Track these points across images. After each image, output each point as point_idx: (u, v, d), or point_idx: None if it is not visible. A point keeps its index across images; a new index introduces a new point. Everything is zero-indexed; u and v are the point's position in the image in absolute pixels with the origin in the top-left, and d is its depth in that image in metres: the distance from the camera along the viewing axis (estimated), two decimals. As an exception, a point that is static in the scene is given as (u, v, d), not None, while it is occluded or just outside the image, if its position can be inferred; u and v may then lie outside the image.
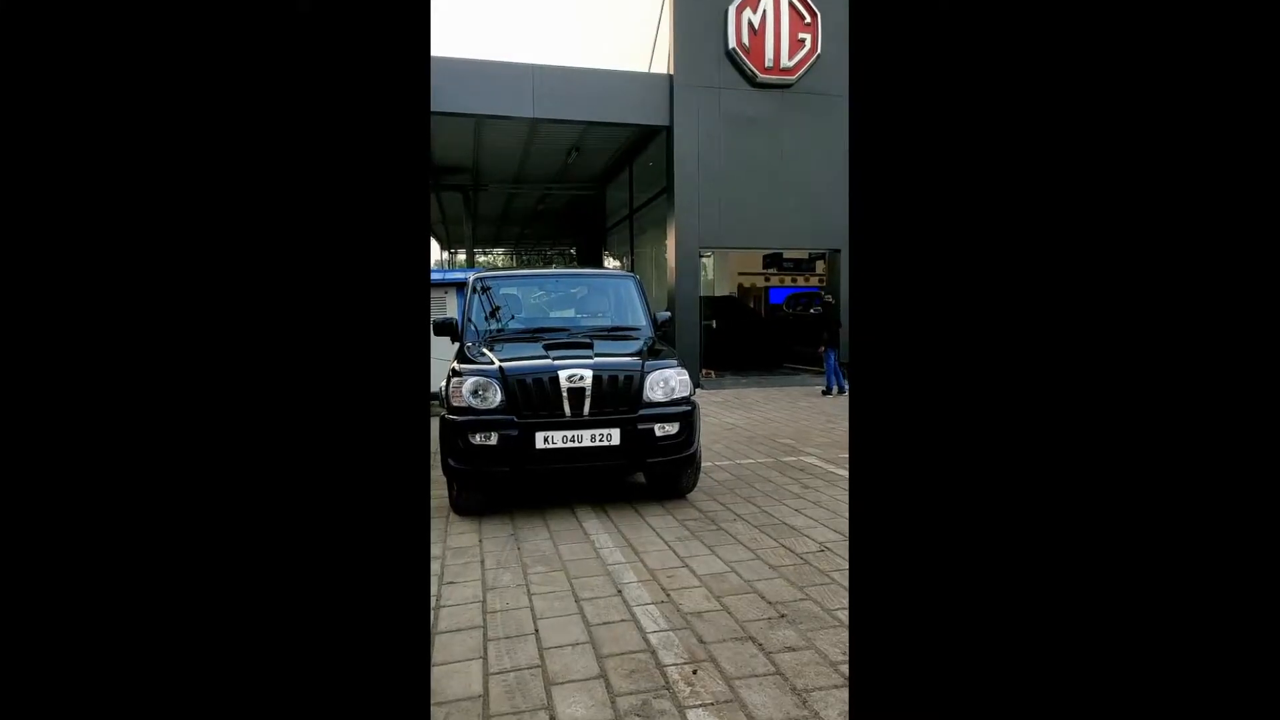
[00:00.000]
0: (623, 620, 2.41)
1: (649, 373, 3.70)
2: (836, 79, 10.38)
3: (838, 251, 10.73)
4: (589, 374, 3.58)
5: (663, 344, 4.44)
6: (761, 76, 10.07)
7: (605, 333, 4.50)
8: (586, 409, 3.56)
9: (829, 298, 10.08)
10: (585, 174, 14.42)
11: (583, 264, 22.82)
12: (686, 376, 3.83)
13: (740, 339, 12.21)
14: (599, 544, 3.24)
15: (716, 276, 15.41)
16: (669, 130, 10.06)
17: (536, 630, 2.34)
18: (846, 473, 4.63)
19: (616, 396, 3.60)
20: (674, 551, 3.12)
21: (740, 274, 17.99)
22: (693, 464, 3.83)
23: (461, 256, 27.89)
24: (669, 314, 4.87)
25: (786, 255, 16.14)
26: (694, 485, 4.03)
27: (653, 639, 2.26)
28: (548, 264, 34.55)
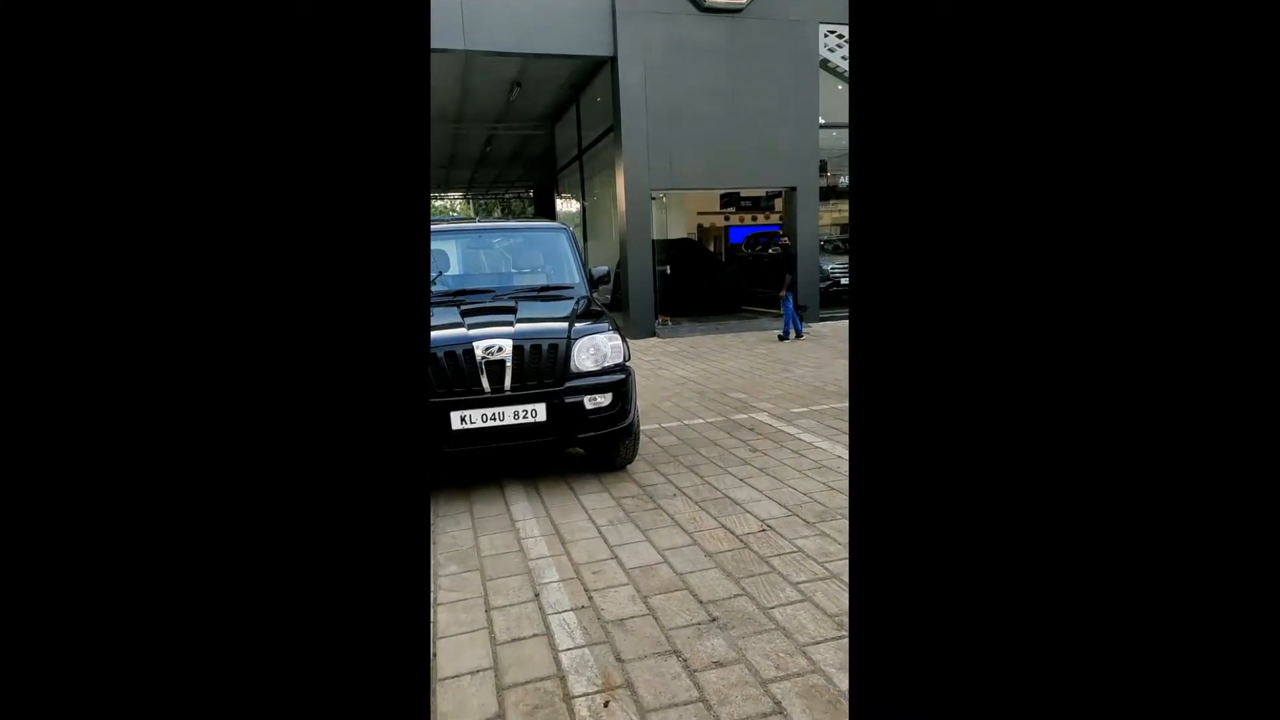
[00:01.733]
0: (535, 635, 2.14)
1: (577, 339, 3.36)
2: (786, 3, 9.76)
3: (794, 189, 10.33)
4: (508, 344, 3.22)
5: (598, 304, 4.08)
6: (710, 0, 9.40)
7: (534, 293, 4.12)
8: (508, 383, 3.21)
9: (785, 240, 9.75)
10: (532, 112, 13.62)
11: (538, 209, 22.01)
12: (619, 341, 3.50)
13: (697, 283, 11.86)
14: (524, 532, 2.96)
15: (672, 217, 14.91)
16: (613, 61, 9.40)
17: (434, 653, 2.06)
18: (796, 430, 4.43)
19: (541, 368, 3.26)
20: (604, 539, 2.85)
21: (699, 214, 17.52)
22: (629, 435, 3.53)
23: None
24: (605, 269, 4.49)
25: (744, 193, 15.69)
26: (633, 456, 3.76)
27: (565, 659, 2.00)
28: (505, 209, 33.38)
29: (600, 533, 2.92)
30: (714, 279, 12.20)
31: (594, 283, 4.40)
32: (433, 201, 29.41)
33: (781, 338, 8.85)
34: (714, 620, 2.18)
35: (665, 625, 2.16)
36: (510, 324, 3.36)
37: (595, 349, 3.39)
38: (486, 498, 3.42)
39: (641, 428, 4.64)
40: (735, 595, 2.33)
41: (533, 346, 3.25)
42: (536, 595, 2.40)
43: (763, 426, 4.59)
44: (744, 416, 4.90)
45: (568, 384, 3.28)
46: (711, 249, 18.22)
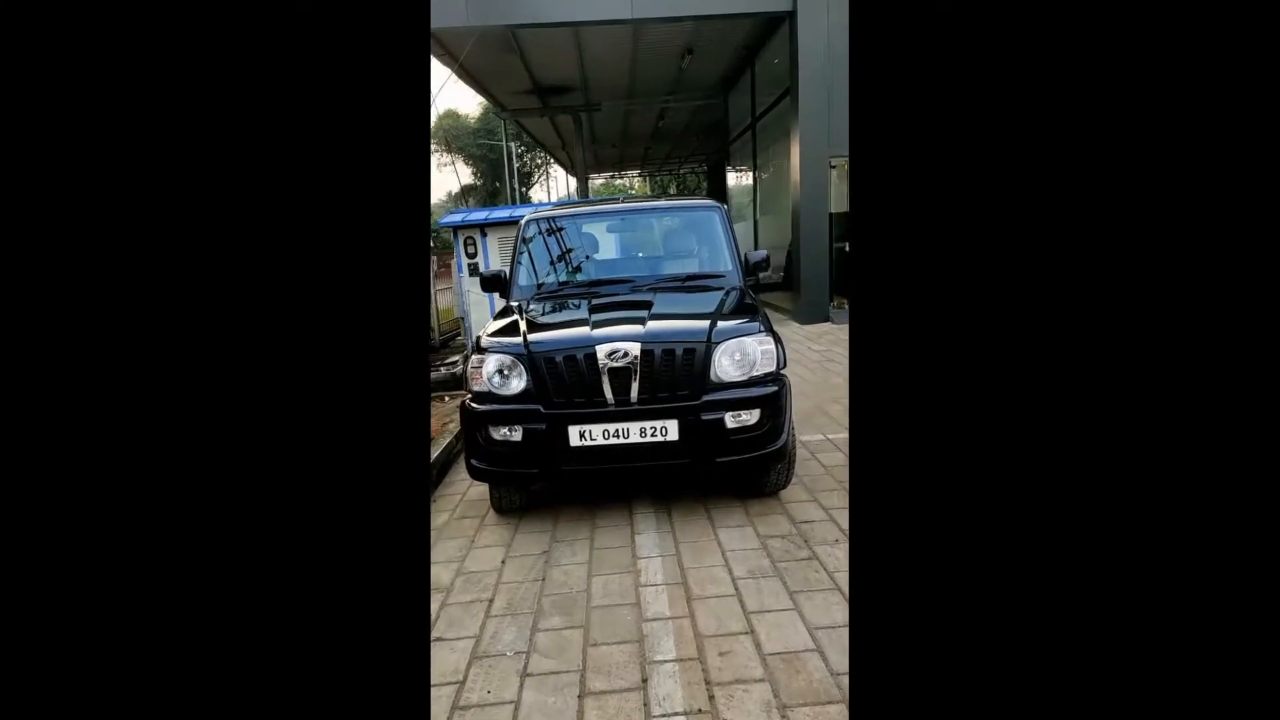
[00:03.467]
0: (631, 748, 1.64)
1: (719, 342, 2.77)
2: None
3: (1006, 149, 8.75)
4: (635, 347, 2.71)
5: (752, 297, 3.45)
6: (908, -67, 8.10)
7: (677, 284, 3.58)
8: (634, 394, 2.72)
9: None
10: (704, 81, 12.97)
11: (712, 184, 21.37)
12: (773, 345, 2.85)
13: (881, 261, 10.61)
14: (645, 576, 2.47)
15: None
16: (792, 17, 8.47)
17: (505, 756, 1.64)
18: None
19: (674, 376, 2.72)
20: (740, 600, 2.28)
21: (886, 182, 15.86)
22: (782, 459, 2.89)
23: (590, 183, 27.46)
24: (764, 253, 3.82)
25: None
26: (787, 481, 3.11)
27: (662, 802, 1.47)
28: (681, 186, 33.01)
29: (737, 588, 2.35)
30: (901, 256, 10.84)
31: (750, 269, 3.76)
32: (611, 180, 29.83)
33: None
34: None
35: (806, 764, 1.56)
36: (642, 322, 2.86)
37: (742, 354, 2.78)
38: (611, 521, 2.98)
39: (802, 439, 3.96)
40: None
41: (664, 351, 2.72)
42: (644, 681, 1.90)
43: (957, 447, 3.70)
44: (933, 431, 4.02)
45: (706, 397, 2.71)
46: (900, 221, 16.50)
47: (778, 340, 2.93)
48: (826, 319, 8.87)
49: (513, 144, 23.85)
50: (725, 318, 2.93)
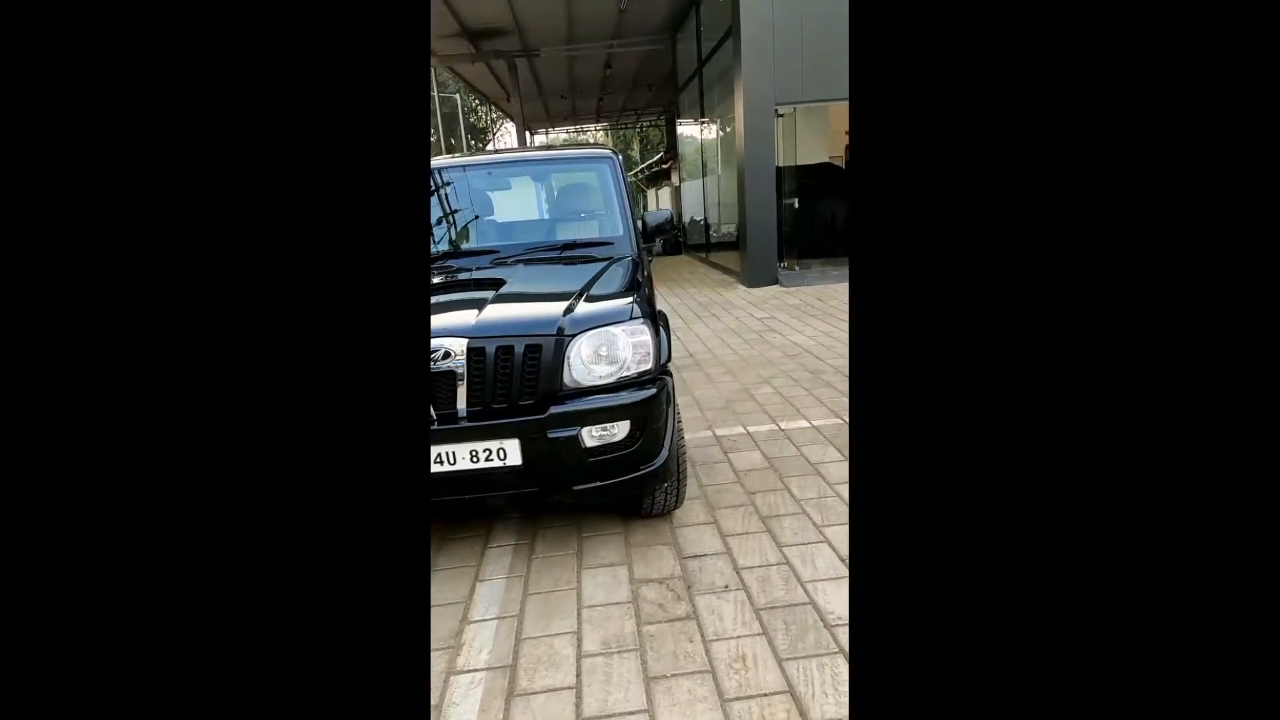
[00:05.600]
0: None
1: (575, 334, 2.12)
2: None
3: (965, 94, 8.10)
4: (460, 345, 2.05)
5: (644, 269, 2.80)
6: None
7: (554, 253, 2.91)
8: (461, 406, 2.07)
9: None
10: (649, 24, 12.02)
11: (672, 137, 20.41)
12: (648, 336, 2.20)
13: (838, 217, 9.97)
14: (467, 655, 1.87)
15: (811, 139, 12.84)
16: (732, -56, 7.63)
17: None
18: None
19: (514, 381, 2.07)
20: (577, 697, 1.68)
21: (849, 133, 15.16)
22: (663, 479, 2.28)
23: (540, 138, 26.14)
24: (666, 213, 3.16)
25: (900, 105, 13.15)
26: (679, 501, 2.52)
27: None
28: (644, 141, 31.73)
29: (579, 674, 1.76)
30: (858, 211, 10.17)
31: (649, 233, 3.10)
32: (575, 135, 28.55)
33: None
34: None
35: None
36: (477, 309, 2.19)
37: (608, 349, 2.14)
38: (457, 559, 2.37)
39: (718, 432, 3.38)
40: None
41: (500, 348, 2.06)
42: None
43: (894, 441, 3.14)
44: (869, 419, 3.45)
45: (556, 408, 2.07)
46: (860, 175, 15.86)
47: (658, 328, 2.29)
48: (775, 282, 8.26)
49: (462, 96, 22.48)
50: (590, 300, 2.28)
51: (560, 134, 27.53)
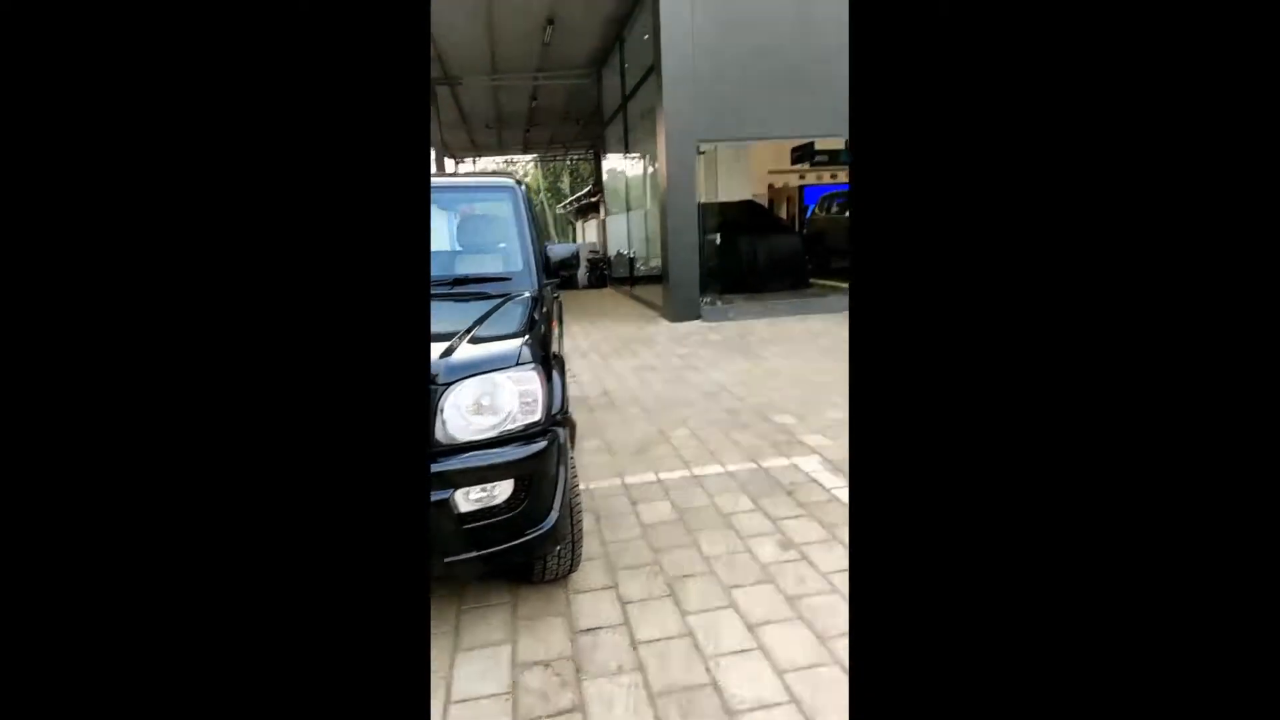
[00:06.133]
0: None
1: (451, 382, 1.87)
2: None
3: (878, 138, 8.38)
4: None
5: (543, 306, 2.58)
6: (775, -101, 7.49)
7: (444, 288, 2.67)
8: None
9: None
10: (574, 58, 12.03)
11: (597, 167, 20.45)
12: (538, 384, 1.97)
13: (760, 253, 10.08)
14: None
15: (735, 176, 13.07)
16: (653, -17, 7.69)
17: None
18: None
19: (378, 437, 1.81)
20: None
21: (771, 172, 15.56)
22: (553, 542, 2.03)
23: (466, 166, 25.77)
24: (572, 248, 2.97)
25: (819, 146, 13.66)
26: (572, 567, 2.28)
27: None
28: (575, 175, 31.80)
29: (440, 786, 1.48)
30: (782, 248, 10.33)
31: (551, 269, 2.90)
32: (505, 165, 28.23)
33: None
34: None
35: None
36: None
37: (489, 397, 1.90)
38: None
39: (627, 480, 3.16)
40: None
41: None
42: None
43: (806, 488, 3.00)
44: (784, 463, 3.32)
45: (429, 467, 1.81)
46: (784, 212, 16.27)
47: (550, 373, 2.07)
48: (698, 317, 8.21)
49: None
50: (474, 343, 2.04)
51: (490, 163, 27.23)
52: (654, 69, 8.04)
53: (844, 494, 2.91)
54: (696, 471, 3.27)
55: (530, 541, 1.93)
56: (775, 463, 3.33)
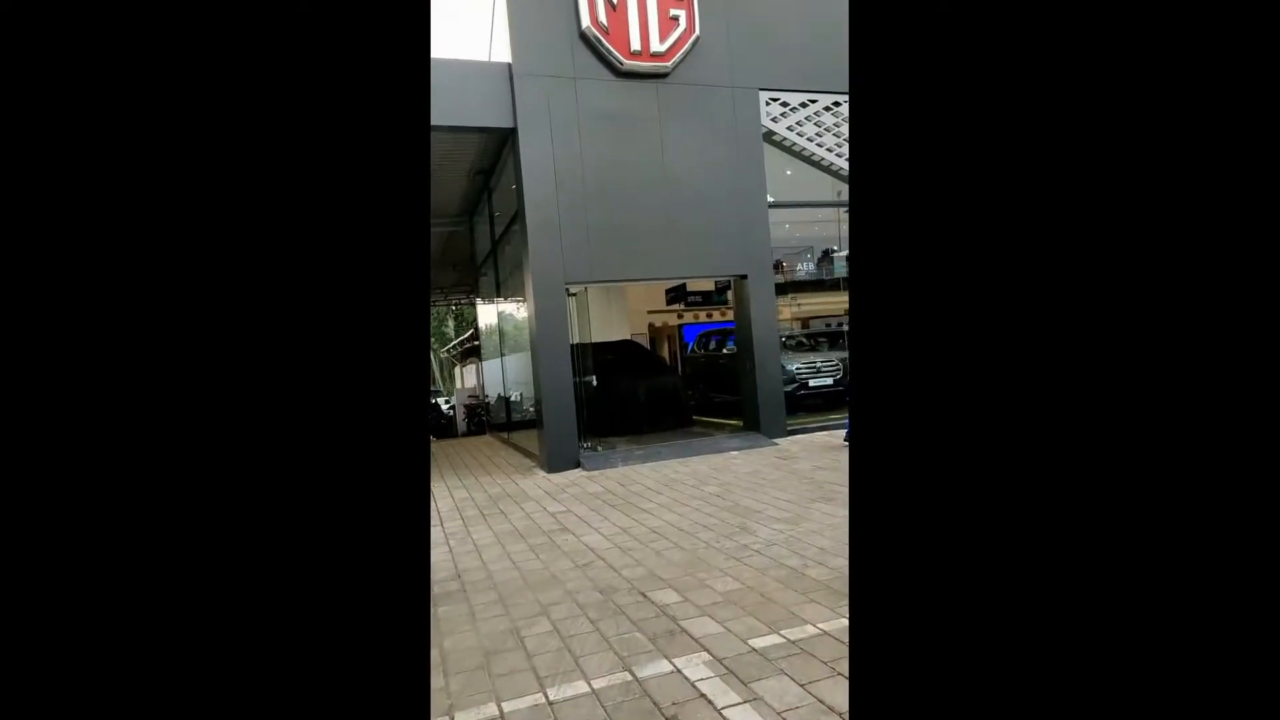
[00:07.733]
0: None
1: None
2: (720, 67, 8.33)
3: (744, 278, 8.53)
4: None
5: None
6: (627, 63, 7.89)
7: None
8: None
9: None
10: (447, 207, 11.92)
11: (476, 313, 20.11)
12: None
13: (640, 393, 9.77)
14: None
15: (614, 317, 13.05)
16: (514, 133, 7.71)
17: None
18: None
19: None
20: None
21: (650, 312, 15.80)
22: None
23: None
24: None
25: (691, 287, 14.05)
26: None
27: None
28: (459, 319, 31.36)
29: None
30: (662, 388, 10.09)
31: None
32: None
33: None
34: None
35: None
36: None
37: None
38: None
39: (456, 714, 2.37)
40: None
41: None
42: None
43: (691, 712, 2.34)
44: (662, 672, 2.65)
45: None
46: (665, 351, 16.40)
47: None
48: (577, 464, 7.59)
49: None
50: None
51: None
52: (518, 216, 7.90)
53: (736, 710, 2.27)
54: (553, 695, 2.53)
55: None
56: (654, 669, 2.66)
